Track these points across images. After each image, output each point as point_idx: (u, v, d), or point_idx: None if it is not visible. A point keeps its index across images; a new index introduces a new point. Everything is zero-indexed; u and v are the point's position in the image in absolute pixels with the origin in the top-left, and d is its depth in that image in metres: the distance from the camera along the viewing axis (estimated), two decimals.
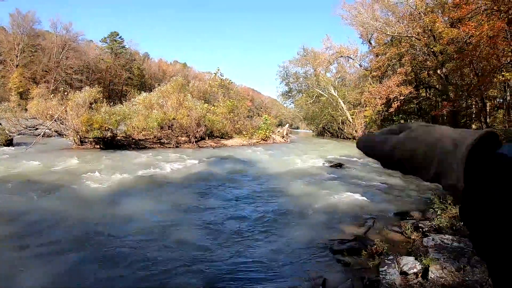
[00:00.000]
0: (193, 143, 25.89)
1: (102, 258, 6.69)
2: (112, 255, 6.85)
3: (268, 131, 32.76)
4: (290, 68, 54.12)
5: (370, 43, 43.92)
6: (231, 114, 31.82)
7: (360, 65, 47.00)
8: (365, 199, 11.38)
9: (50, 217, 9.13)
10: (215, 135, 29.57)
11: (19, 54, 68.52)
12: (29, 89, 59.84)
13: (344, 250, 6.91)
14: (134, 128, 24.36)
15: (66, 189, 12.12)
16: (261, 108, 59.13)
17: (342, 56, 46.23)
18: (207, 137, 28.24)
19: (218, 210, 9.97)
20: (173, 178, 14.15)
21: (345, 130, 46.09)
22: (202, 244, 7.39)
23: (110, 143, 22.48)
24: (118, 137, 23.35)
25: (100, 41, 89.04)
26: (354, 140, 39.78)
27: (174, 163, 17.18)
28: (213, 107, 30.96)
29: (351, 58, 46.55)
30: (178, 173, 15.13)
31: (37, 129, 25.49)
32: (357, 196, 11.63)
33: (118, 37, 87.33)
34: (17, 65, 66.92)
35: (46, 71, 71.20)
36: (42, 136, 23.40)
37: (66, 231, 8.07)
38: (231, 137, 30.69)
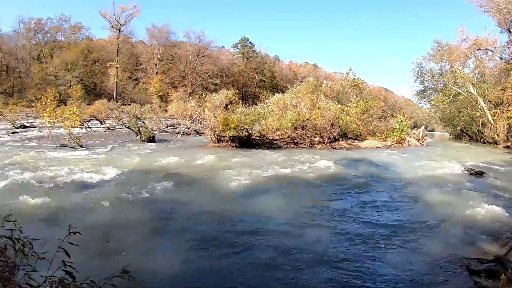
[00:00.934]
0: (326, 144, 25.28)
1: (232, 253, 6.88)
2: (242, 251, 7.00)
3: (403, 133, 30.72)
4: (424, 64, 49.46)
5: (510, 32, 37.82)
6: (365, 115, 30.49)
7: (501, 58, 40.73)
8: (509, 214, 9.84)
9: (187, 208, 9.78)
10: (348, 136, 28.58)
11: (158, 63, 75.75)
12: (168, 93, 65.32)
13: (482, 272, 6.09)
14: (269, 128, 24.62)
15: (202, 183, 12.83)
16: (395, 109, 56.25)
17: (480, 49, 40.80)
18: (340, 138, 27.40)
19: (350, 213, 9.66)
20: (306, 179, 13.99)
21: (485, 133, 40.70)
22: (331, 247, 7.23)
23: (245, 142, 23.13)
24: (253, 137, 23.93)
25: (232, 47, 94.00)
26: (495, 145, 36.15)
27: (307, 164, 17.01)
28: (346, 107, 29.90)
29: (490, 50, 40.85)
30: (311, 174, 14.86)
31: (176, 127, 27.14)
32: (499, 211, 10.16)
33: (248, 42, 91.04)
34: (156, 72, 73.93)
35: (183, 76, 77.48)
36: (182, 134, 24.75)
37: (200, 224, 8.49)
38: (364, 139, 29.37)
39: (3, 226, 3.24)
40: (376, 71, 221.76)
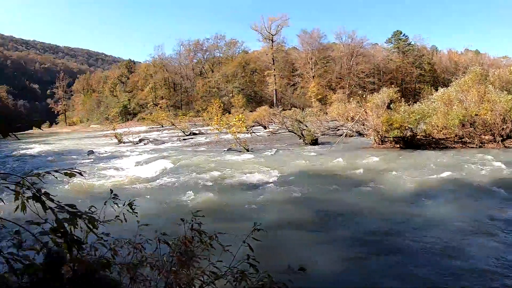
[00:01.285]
0: (498, 142, 23.05)
1: (396, 259, 6.74)
2: (406, 257, 6.81)
3: None
4: None
5: None
6: None
7: None
8: None
9: (351, 211, 9.81)
10: None
11: (313, 67, 77.26)
12: (326, 96, 66.31)
13: None
14: (434, 126, 23.28)
15: (366, 185, 12.65)
16: None
17: None
18: None
19: None
20: (476, 182, 12.72)
21: None
22: (503, 267, 6.27)
23: (410, 143, 22.24)
24: (418, 136, 22.81)
25: (385, 43, 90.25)
26: None
27: (478, 165, 15.40)
28: None
29: None
30: (482, 177, 13.47)
31: (338, 129, 27.50)
32: None
33: (402, 35, 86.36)
34: (313, 76, 75.37)
35: (339, 78, 77.63)
36: (344, 136, 24.73)
37: (364, 227, 8.47)
38: None
39: (192, 221, 3.63)
40: None
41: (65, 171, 2.45)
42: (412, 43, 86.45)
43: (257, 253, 3.39)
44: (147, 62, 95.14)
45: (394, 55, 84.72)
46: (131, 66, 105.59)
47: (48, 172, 2.45)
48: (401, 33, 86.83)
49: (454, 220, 8.76)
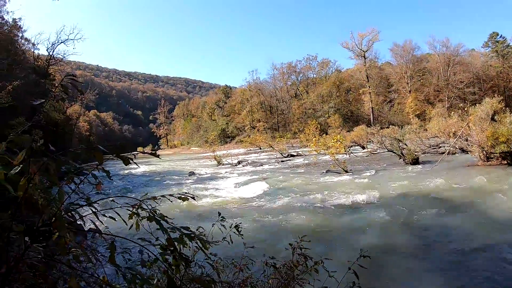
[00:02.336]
0: None
1: None
2: None
3: None
4: None
5: None
6: None
7: None
8: None
9: (453, 236, 9.38)
10: None
11: (409, 81, 75.08)
12: (424, 110, 63.62)
13: None
14: None
15: (470, 207, 12.06)
16: None
17: None
18: None
19: None
20: None
21: None
22: None
23: None
24: None
25: (482, 47, 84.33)
26: None
27: None
28: None
29: None
30: None
31: (440, 147, 26.56)
32: None
33: (499, 37, 79.99)
34: (410, 91, 72.69)
35: (437, 90, 74.32)
36: (447, 154, 23.74)
37: (470, 254, 8.04)
38: None
39: (300, 247, 3.83)
40: None
41: (179, 195, 2.65)
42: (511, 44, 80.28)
43: (361, 279, 3.53)
44: (243, 87, 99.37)
45: (493, 60, 78.75)
46: (227, 91, 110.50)
47: (164, 196, 2.71)
48: (498, 34, 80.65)
49: None
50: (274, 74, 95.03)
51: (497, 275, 7.01)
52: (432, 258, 8.14)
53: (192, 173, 28.88)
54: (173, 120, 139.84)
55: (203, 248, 2.52)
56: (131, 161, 2.25)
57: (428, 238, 9.54)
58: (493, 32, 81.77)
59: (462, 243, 8.87)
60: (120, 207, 2.43)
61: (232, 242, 3.70)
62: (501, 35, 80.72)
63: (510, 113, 22.31)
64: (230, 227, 3.76)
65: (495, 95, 25.24)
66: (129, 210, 2.35)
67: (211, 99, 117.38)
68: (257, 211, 13.54)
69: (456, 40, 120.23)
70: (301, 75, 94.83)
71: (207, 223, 3.90)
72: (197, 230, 2.96)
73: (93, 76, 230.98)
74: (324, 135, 39.94)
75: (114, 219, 2.37)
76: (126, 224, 2.40)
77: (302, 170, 27.35)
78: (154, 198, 2.58)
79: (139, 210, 2.34)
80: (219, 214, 3.80)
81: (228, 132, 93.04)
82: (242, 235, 3.81)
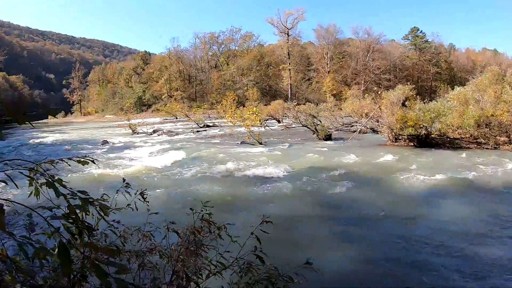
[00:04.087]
0: None
1: (403, 258, 6.79)
2: (413, 257, 6.83)
3: None
4: None
5: None
6: None
7: None
8: None
9: (362, 208, 9.93)
10: None
11: (328, 62, 77.51)
12: (341, 91, 65.88)
13: None
14: (449, 126, 23.02)
15: (379, 184, 12.76)
16: None
17: None
18: None
19: None
20: (491, 185, 12.66)
21: None
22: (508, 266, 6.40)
23: (424, 141, 22.17)
24: (432, 135, 22.65)
25: (402, 39, 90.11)
26: None
27: (493, 167, 15.15)
28: None
29: None
30: (497, 179, 13.34)
31: (352, 126, 27.59)
32: None
33: (419, 32, 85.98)
34: (328, 71, 75.17)
35: (355, 73, 77.84)
36: (358, 133, 24.75)
37: (374, 224, 8.60)
38: None
39: (202, 211, 3.68)
40: None
41: (78, 158, 2.50)
42: (429, 40, 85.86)
43: (265, 245, 3.45)
44: (163, 54, 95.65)
45: (410, 52, 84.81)
46: (146, 57, 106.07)
47: (62, 159, 2.53)
48: (418, 29, 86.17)
49: (465, 223, 8.73)
50: (195, 43, 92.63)
51: (396, 241, 7.52)
52: (337, 228, 8.41)
53: (105, 142, 27.44)
54: (88, 85, 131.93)
55: (103, 214, 2.43)
56: (28, 123, 1.88)
57: (335, 209, 9.87)
58: (414, 27, 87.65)
59: (367, 214, 9.35)
60: (12, 169, 2.24)
61: (137, 209, 3.62)
62: (421, 31, 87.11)
63: (420, 101, 23.74)
64: (135, 194, 3.60)
65: (408, 83, 26.47)
66: (24, 174, 2.18)
67: (129, 65, 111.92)
68: (169, 181, 13.26)
69: (379, 30, 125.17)
70: (223, 46, 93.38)
71: (114, 192, 3.56)
72: (101, 197, 2.66)
73: (3, 34, 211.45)
74: (241, 107, 39.75)
75: (5, 182, 2.20)
76: (17, 187, 2.39)
77: (217, 141, 27.17)
78: (52, 161, 2.44)
79: (38, 175, 2.19)
80: (124, 180, 3.58)
81: (144, 100, 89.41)
82: (148, 202, 3.65)
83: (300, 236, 7.85)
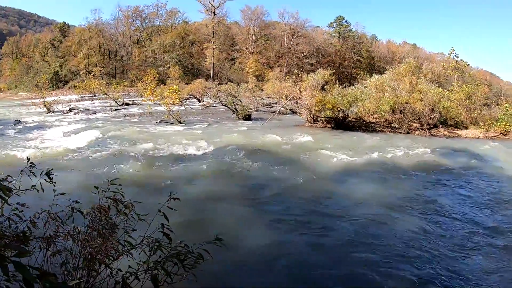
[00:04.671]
0: (425, 130, 24.18)
1: (314, 232, 7.09)
2: (324, 231, 7.16)
3: (508, 124, 28.19)
4: None
5: None
6: (468, 101, 28.58)
7: None
8: None
9: (278, 186, 10.03)
10: (448, 123, 27.02)
11: (253, 43, 77.61)
12: (264, 73, 66.61)
13: None
14: (365, 110, 24.07)
15: (296, 162, 12.99)
16: (500, 96, 51.82)
17: None
18: (440, 125, 26.04)
19: (443, 207, 9.07)
20: (400, 166, 13.48)
21: None
22: (416, 242, 6.88)
23: (341, 124, 22.91)
24: (349, 118, 23.55)
25: (327, 26, 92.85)
26: None
27: (404, 150, 16.18)
28: (447, 92, 28.30)
29: None
30: (407, 161, 14.29)
31: (272, 106, 27.69)
32: None
33: (344, 21, 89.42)
34: (252, 53, 75.56)
35: (279, 56, 78.70)
36: (278, 113, 25.07)
37: (290, 201, 8.80)
38: (465, 127, 27.61)
39: (108, 189, 3.60)
40: (480, 53, 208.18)
41: None
42: (353, 29, 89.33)
43: (180, 224, 3.42)
44: (82, 26, 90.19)
45: (334, 39, 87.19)
46: (65, 29, 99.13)
47: None
48: (343, 18, 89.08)
49: (376, 199, 9.21)
50: (118, 17, 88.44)
51: (311, 217, 7.82)
52: (254, 206, 8.46)
53: (17, 122, 25.30)
54: (0, 59, 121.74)
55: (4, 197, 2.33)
56: None
57: (252, 187, 9.89)
58: (340, 16, 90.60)
59: (283, 192, 9.47)
60: None
61: (43, 191, 3.48)
62: (346, 20, 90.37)
63: (339, 86, 24.40)
64: (41, 174, 3.51)
65: (329, 68, 27.03)
66: None
67: (46, 37, 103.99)
68: (85, 161, 12.55)
69: (305, 15, 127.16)
70: (146, 21, 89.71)
71: (25, 176, 3.41)
72: (5, 179, 2.75)
73: None
74: (162, 85, 38.77)
75: None
76: None
77: (136, 120, 26.34)
78: None
79: None
80: (28, 159, 3.59)
81: (61, 76, 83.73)
82: (55, 182, 3.54)
83: (216, 215, 7.81)
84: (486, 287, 5.49)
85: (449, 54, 39.57)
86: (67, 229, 3.43)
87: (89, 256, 3.29)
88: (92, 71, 75.79)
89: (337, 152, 14.63)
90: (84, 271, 3.40)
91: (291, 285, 5.32)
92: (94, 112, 32.63)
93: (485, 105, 30.73)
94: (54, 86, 79.44)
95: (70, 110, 34.10)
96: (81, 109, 35.03)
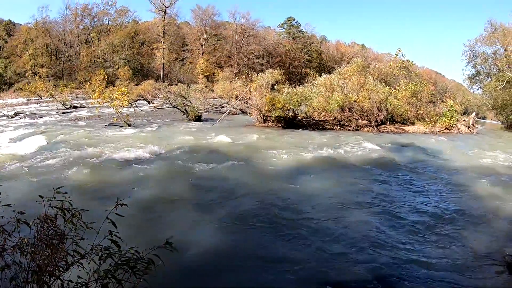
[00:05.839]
0: (373, 127, 25.11)
1: (269, 231, 7.23)
2: (279, 229, 7.31)
3: (452, 119, 29.54)
4: (476, 47, 46.32)
5: None
6: (413, 98, 29.73)
7: None
8: None
9: (231, 186, 10.14)
10: (396, 120, 28.05)
11: (203, 44, 77.19)
12: (214, 73, 66.34)
13: None
14: (315, 109, 24.73)
15: (248, 162, 13.09)
16: (445, 93, 53.62)
17: None
18: (387, 122, 27.02)
19: (393, 199, 9.66)
20: (350, 161, 14.03)
21: None
22: (369, 232, 7.27)
23: (291, 122, 23.42)
24: (299, 117, 24.10)
25: (278, 27, 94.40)
26: None
27: (353, 146, 17.06)
28: (394, 90, 29.32)
29: None
30: (356, 157, 14.91)
31: (223, 107, 27.89)
32: None
33: (294, 22, 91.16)
34: (202, 53, 75.29)
35: (229, 56, 78.75)
36: (228, 114, 25.30)
37: (243, 202, 8.88)
38: (412, 123, 28.79)
39: (54, 198, 3.54)
40: (426, 53, 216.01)
41: None
42: (303, 30, 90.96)
43: (130, 230, 3.41)
44: (29, 24, 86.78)
45: (284, 40, 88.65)
46: (10, 28, 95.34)
47: None
48: (293, 19, 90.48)
49: (328, 194, 9.57)
50: (66, 15, 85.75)
51: (262, 216, 7.92)
52: (205, 208, 8.45)
53: None
54: None
55: None
56: None
57: (203, 189, 9.89)
58: (290, 17, 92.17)
59: (235, 192, 9.57)
60: None
61: None
62: (297, 21, 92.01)
63: (289, 85, 24.81)
64: None
65: (279, 68, 27.42)
66: None
67: None
68: (31, 169, 11.85)
69: (256, 16, 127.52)
70: (95, 20, 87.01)
71: None
72: None
73: None
74: (111, 86, 37.98)
75: None
76: None
77: (84, 123, 25.64)
78: None
79: None
80: None
81: (6, 78, 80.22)
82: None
83: (166, 219, 7.77)
84: (435, 270, 5.90)
85: (396, 54, 40.85)
86: (15, 241, 3.32)
87: (38, 269, 3.22)
88: (38, 73, 73.09)
89: (288, 150, 14.98)
90: (35, 285, 3.30)
91: (244, 285, 5.41)
92: (41, 116, 31.47)
93: (430, 102, 32.30)
94: None
95: (16, 114, 32.85)
96: (27, 113, 33.65)
